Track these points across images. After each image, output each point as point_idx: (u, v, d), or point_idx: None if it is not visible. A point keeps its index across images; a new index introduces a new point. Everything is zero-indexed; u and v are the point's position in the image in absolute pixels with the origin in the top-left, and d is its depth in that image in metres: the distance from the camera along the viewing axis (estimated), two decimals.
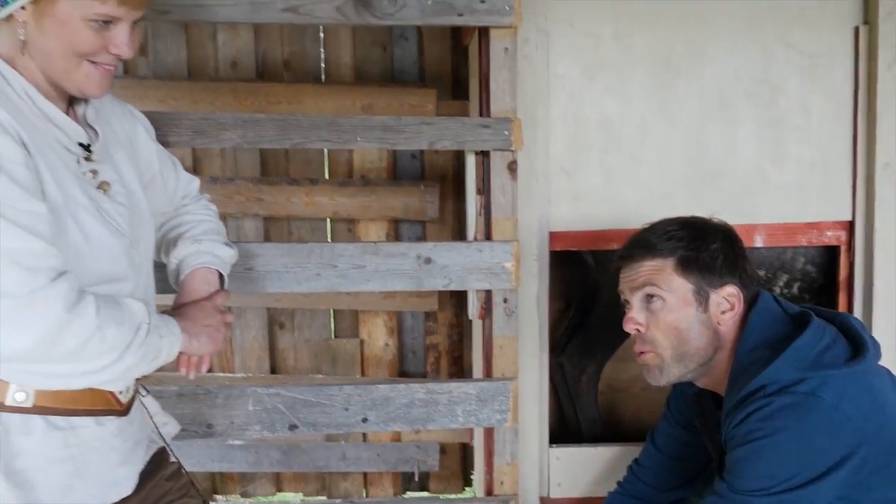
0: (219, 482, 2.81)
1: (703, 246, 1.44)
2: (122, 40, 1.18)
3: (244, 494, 2.81)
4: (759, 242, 1.93)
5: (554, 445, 2.00)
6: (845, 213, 1.94)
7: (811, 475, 1.26)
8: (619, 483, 1.77)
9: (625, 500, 1.74)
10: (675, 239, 1.45)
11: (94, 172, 1.21)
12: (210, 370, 2.70)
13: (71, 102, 1.26)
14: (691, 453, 1.67)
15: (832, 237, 1.94)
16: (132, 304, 1.15)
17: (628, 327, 1.49)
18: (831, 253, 2.02)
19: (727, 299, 1.43)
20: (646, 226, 1.53)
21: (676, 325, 1.43)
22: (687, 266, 1.43)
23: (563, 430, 2.28)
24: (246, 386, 1.77)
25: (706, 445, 1.61)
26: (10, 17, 1.13)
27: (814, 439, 1.26)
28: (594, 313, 2.18)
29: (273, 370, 2.75)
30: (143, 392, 1.35)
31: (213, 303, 1.38)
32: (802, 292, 2.05)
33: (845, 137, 1.92)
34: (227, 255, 1.48)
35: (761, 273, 2.01)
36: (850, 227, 1.94)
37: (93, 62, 1.18)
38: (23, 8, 1.12)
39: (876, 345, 1.37)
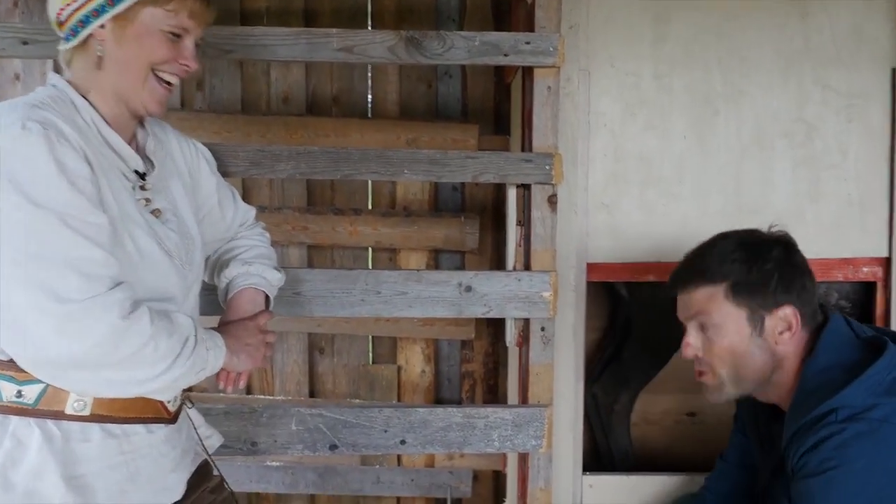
0: (255, 502, 2.87)
1: (755, 268, 1.42)
2: (190, 52, 1.31)
3: None
4: None
5: (587, 473, 2.02)
6: (882, 249, 1.95)
7: None
8: None
9: None
10: (727, 262, 1.44)
11: (148, 200, 1.30)
12: (250, 392, 2.81)
13: (134, 134, 1.35)
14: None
15: (868, 273, 1.96)
16: (180, 318, 1.22)
17: (685, 353, 1.50)
18: (867, 289, 2.03)
19: (783, 320, 1.42)
20: (701, 244, 1.53)
21: (732, 349, 1.44)
22: (739, 292, 1.43)
23: (596, 460, 2.29)
24: (290, 405, 1.83)
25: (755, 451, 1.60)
26: (88, 38, 1.25)
27: (888, 466, 1.23)
28: (628, 345, 2.21)
29: (312, 394, 2.81)
30: (189, 404, 1.41)
31: (256, 322, 1.44)
32: None
33: (882, 176, 1.95)
34: (274, 279, 1.56)
35: None
36: (886, 263, 1.96)
37: (158, 77, 1.28)
38: (102, 27, 1.24)
39: None
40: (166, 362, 1.17)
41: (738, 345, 1.43)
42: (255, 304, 1.50)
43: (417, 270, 1.85)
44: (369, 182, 2.77)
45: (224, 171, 1.70)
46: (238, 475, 2.71)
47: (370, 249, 2.78)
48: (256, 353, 1.40)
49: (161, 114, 1.34)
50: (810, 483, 1.28)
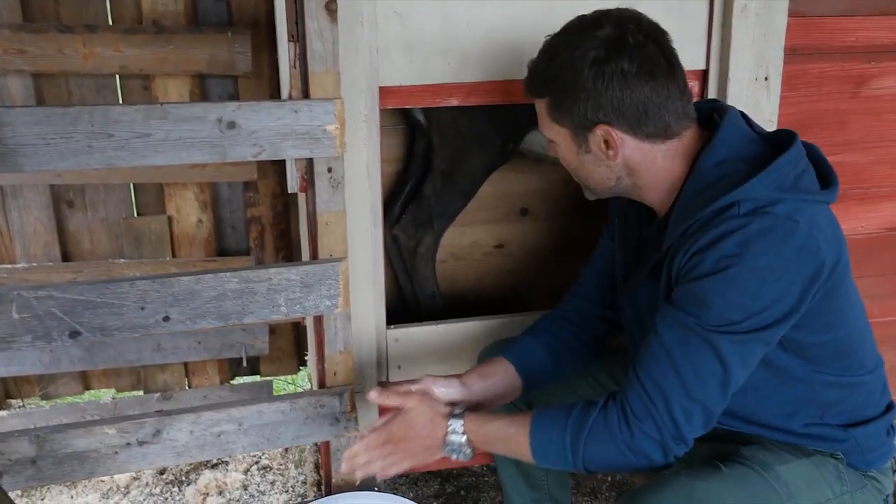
0: (13, 386, 2.45)
1: (567, 83, 1.24)
2: None
3: (45, 397, 2.48)
4: None
5: (392, 326, 1.81)
6: (699, 61, 1.78)
7: (783, 310, 1.16)
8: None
9: (553, 321, 1.58)
10: (546, 71, 1.28)
11: None
12: None
13: None
14: None
15: None
16: None
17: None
18: None
19: (602, 138, 1.27)
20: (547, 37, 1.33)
21: (569, 163, 1.36)
22: (556, 111, 1.29)
23: (402, 308, 2.10)
24: (7, 289, 1.42)
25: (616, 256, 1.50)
26: None
27: (788, 267, 1.15)
28: (429, 179, 1.96)
29: (65, 257, 2.36)
30: None
31: None
32: None
33: None
34: None
35: None
36: (703, 76, 1.79)
37: None
38: None
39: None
40: None
41: (571, 161, 1.35)
42: None
43: (162, 104, 1.44)
44: None
45: None
46: None
47: (117, 77, 2.26)
48: None
49: None
50: (704, 283, 1.17)
